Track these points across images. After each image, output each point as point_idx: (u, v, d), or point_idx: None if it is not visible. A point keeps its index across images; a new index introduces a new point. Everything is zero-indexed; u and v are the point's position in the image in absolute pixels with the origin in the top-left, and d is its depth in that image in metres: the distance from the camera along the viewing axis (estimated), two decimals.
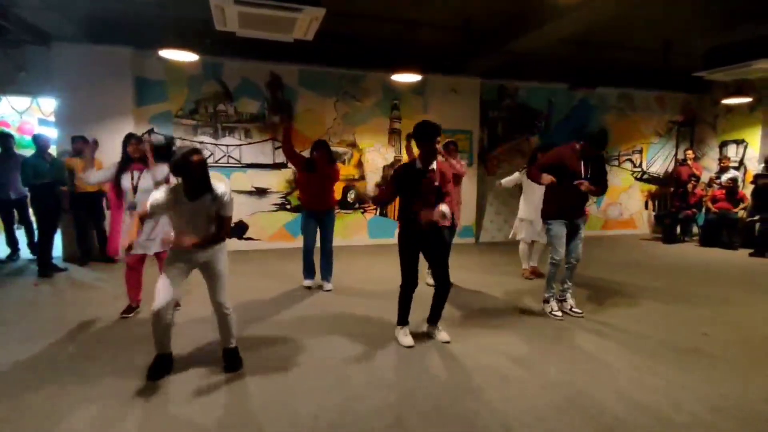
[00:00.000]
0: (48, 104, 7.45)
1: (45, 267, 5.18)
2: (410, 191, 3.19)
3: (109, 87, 6.04)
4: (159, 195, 2.65)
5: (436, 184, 3.17)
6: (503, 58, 6.40)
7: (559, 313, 3.93)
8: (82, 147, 5.67)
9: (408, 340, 3.31)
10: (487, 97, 7.93)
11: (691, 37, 5.75)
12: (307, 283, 4.79)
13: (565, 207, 3.86)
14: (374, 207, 7.55)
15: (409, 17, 5.17)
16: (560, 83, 7.77)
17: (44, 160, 5.31)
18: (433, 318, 3.46)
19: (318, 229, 4.67)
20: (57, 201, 5.40)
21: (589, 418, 2.38)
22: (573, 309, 3.99)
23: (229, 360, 2.90)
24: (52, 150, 5.77)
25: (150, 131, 6.47)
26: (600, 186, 3.91)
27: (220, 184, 2.74)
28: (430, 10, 5.06)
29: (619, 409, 2.46)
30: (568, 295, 4.03)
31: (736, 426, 2.31)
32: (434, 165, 3.19)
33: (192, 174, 2.58)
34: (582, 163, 3.82)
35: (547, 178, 3.76)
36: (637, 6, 4.51)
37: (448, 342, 3.34)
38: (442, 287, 3.34)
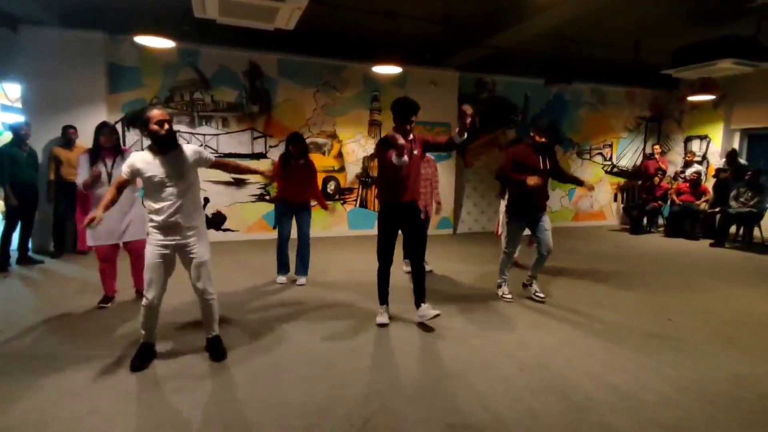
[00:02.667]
0: (14, 90, 7.12)
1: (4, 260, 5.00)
2: (390, 163, 3.28)
3: (81, 73, 5.85)
4: (131, 158, 2.69)
5: (415, 152, 3.34)
6: (482, 52, 6.50)
7: (510, 296, 4.20)
8: (74, 137, 5.53)
9: (382, 318, 3.50)
10: (465, 90, 8.04)
11: (660, 35, 5.99)
12: (281, 279, 4.68)
13: (527, 203, 4.03)
14: (354, 199, 7.58)
15: (390, 9, 5.19)
16: (536, 78, 7.94)
17: (21, 150, 5.10)
18: (419, 298, 3.53)
19: (294, 222, 4.58)
20: (31, 198, 5.21)
21: (563, 397, 2.52)
22: (536, 293, 4.23)
23: (213, 349, 2.91)
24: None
25: (123, 119, 6.30)
26: (568, 177, 4.20)
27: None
28: (411, 3, 5.09)
29: (591, 389, 2.60)
30: (534, 282, 4.27)
31: (698, 404, 2.49)
32: (411, 136, 3.36)
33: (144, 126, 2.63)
34: (539, 157, 3.98)
35: (533, 179, 3.79)
36: (610, 5, 4.67)
37: (438, 315, 3.43)
38: (417, 264, 3.50)
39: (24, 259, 5.22)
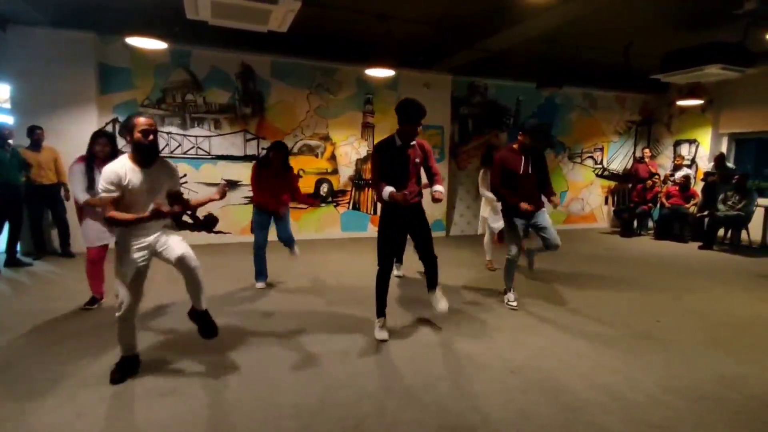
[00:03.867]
0: (2, 90, 7.04)
1: None
2: (390, 169, 3.21)
3: (71, 74, 5.80)
4: (109, 169, 2.46)
5: (417, 161, 3.25)
6: (474, 56, 6.54)
7: (514, 303, 4.06)
8: (41, 138, 5.46)
9: (383, 334, 3.32)
10: (458, 93, 8.08)
11: (649, 40, 6.06)
12: (260, 285, 4.55)
13: (517, 207, 3.84)
14: (347, 201, 7.58)
15: (383, 11, 5.20)
16: (528, 82, 8.00)
17: (4, 151, 5.06)
18: (431, 284, 3.45)
19: (273, 224, 4.47)
20: (15, 198, 5.18)
21: (553, 398, 2.53)
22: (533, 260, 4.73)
23: (202, 323, 2.73)
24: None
25: (114, 121, 6.25)
26: (546, 187, 4.00)
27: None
28: (404, 6, 5.10)
29: (581, 390, 2.62)
30: (535, 255, 4.42)
31: (687, 404, 2.52)
32: (414, 142, 3.25)
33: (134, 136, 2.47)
34: (522, 158, 3.87)
35: (524, 206, 3.77)
36: (602, 10, 4.73)
37: (445, 311, 3.39)
38: (431, 262, 3.39)
39: (12, 262, 5.16)
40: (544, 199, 4.04)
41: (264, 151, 6.93)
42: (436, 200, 3.22)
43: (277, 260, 4.71)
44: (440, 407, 2.43)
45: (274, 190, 4.37)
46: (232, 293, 4.34)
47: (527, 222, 3.98)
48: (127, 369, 2.66)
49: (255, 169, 4.42)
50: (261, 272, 4.58)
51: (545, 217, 4.00)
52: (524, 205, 3.76)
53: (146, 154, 2.53)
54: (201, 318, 2.75)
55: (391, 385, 2.65)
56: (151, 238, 2.60)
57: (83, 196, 3.51)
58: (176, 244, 2.63)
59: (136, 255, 2.56)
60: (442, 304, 3.41)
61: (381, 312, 3.40)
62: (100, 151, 3.53)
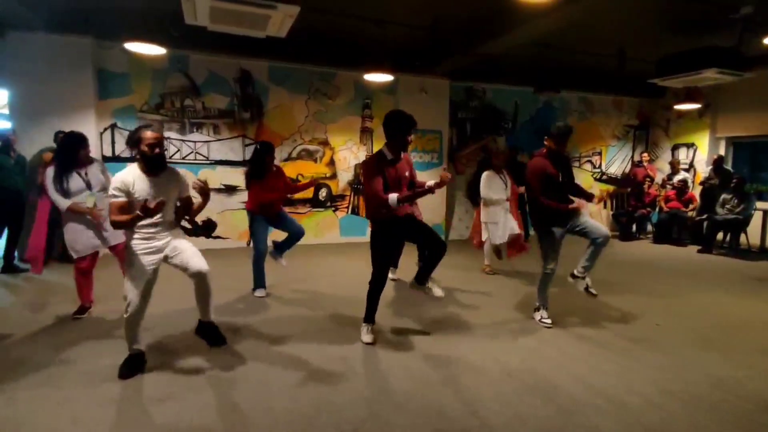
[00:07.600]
0: (1, 96, 7.07)
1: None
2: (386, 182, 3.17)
3: (69, 79, 5.82)
4: (118, 177, 2.63)
5: (406, 174, 3.25)
6: (471, 60, 6.57)
7: (549, 321, 3.75)
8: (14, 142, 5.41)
9: (368, 338, 3.32)
10: (455, 98, 8.11)
11: (646, 44, 6.10)
12: (259, 293, 4.43)
13: (558, 213, 3.63)
14: (347, 206, 7.59)
15: (381, 17, 5.24)
16: (526, 86, 8.03)
17: (9, 157, 5.10)
18: (428, 274, 3.36)
19: (274, 228, 4.43)
20: (17, 204, 5.18)
21: (549, 400, 2.53)
22: (589, 288, 3.77)
23: (210, 335, 2.94)
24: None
25: (113, 126, 6.27)
26: (575, 188, 3.84)
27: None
28: (401, 11, 5.14)
29: (577, 393, 2.62)
30: (587, 274, 3.78)
31: (682, 407, 2.51)
32: (402, 155, 3.25)
33: (143, 146, 2.62)
34: (554, 164, 3.66)
35: (574, 206, 3.57)
36: (598, 14, 4.76)
37: (441, 297, 3.36)
38: (438, 250, 3.29)
39: (9, 268, 5.14)
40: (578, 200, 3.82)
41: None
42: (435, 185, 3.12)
43: (274, 265, 4.71)
44: (436, 411, 2.42)
45: (274, 190, 4.32)
46: (229, 298, 4.32)
47: (565, 229, 3.65)
48: (133, 366, 2.74)
49: (252, 176, 4.32)
50: (260, 281, 4.47)
51: (584, 215, 3.71)
52: (574, 206, 3.56)
53: (153, 165, 2.68)
54: (208, 328, 2.93)
55: (387, 390, 2.65)
56: (160, 243, 2.73)
57: (63, 203, 3.43)
58: (189, 252, 2.77)
59: (147, 259, 2.68)
60: (437, 291, 3.35)
61: (370, 318, 3.38)
62: (85, 155, 3.55)
